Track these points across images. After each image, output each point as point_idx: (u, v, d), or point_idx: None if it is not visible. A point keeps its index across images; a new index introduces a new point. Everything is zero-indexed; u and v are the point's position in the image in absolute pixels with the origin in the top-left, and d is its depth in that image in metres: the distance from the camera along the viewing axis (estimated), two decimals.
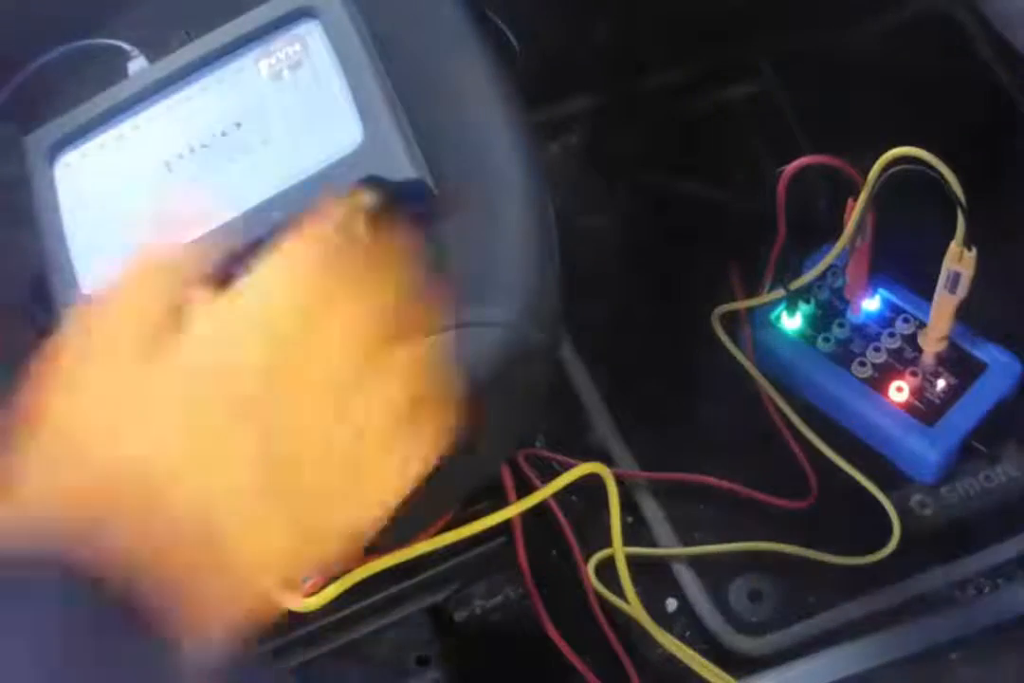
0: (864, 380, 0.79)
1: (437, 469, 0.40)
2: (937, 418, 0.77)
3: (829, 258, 0.77)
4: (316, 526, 0.37)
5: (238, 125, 0.51)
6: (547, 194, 0.52)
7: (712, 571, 0.78)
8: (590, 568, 0.76)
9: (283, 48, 0.51)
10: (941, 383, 0.78)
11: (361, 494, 0.38)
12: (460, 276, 0.48)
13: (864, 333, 0.80)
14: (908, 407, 0.78)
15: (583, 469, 0.63)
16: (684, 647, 0.74)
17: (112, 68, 0.55)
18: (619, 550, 0.71)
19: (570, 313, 0.53)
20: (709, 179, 0.90)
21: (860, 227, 0.73)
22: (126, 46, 0.55)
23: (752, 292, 0.83)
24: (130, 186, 0.51)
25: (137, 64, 0.54)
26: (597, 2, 0.93)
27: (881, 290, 0.81)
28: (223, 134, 0.51)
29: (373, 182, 0.47)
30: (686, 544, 0.79)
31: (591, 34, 0.93)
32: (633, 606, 0.73)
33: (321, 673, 0.67)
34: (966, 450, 0.79)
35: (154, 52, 0.54)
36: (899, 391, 0.78)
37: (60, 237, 0.51)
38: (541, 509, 0.78)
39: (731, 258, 0.86)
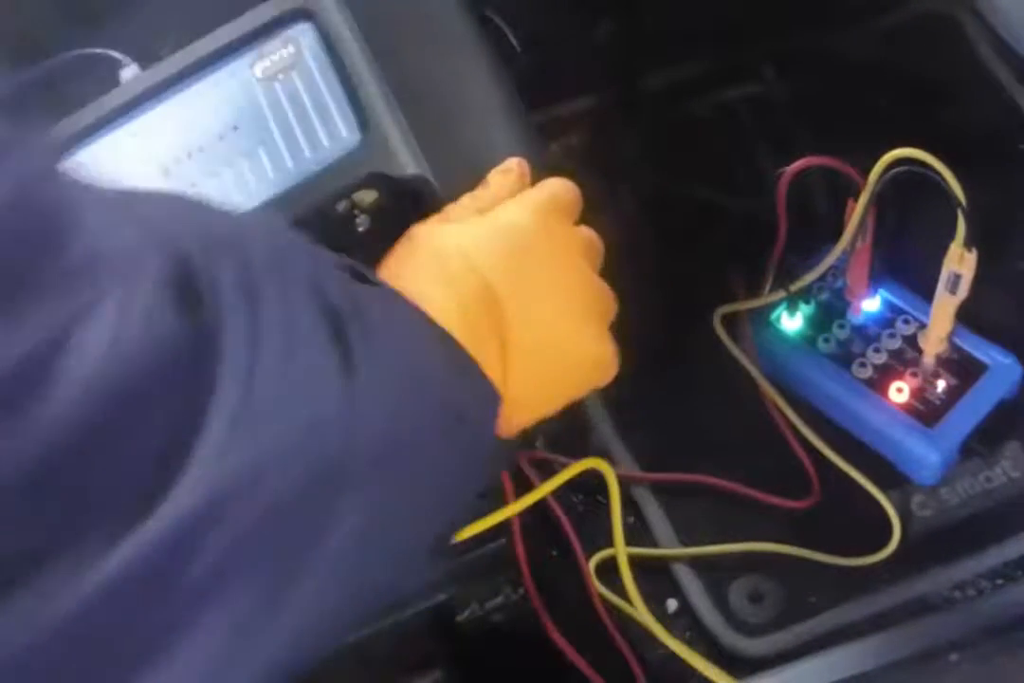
0: (864, 381, 0.79)
1: None
2: (937, 419, 0.77)
3: (829, 259, 0.77)
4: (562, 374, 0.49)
5: (235, 128, 0.51)
6: None
7: (712, 572, 0.78)
8: (591, 568, 0.77)
9: (277, 50, 0.52)
10: (941, 384, 0.78)
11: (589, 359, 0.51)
12: None
13: (864, 334, 0.80)
14: (908, 408, 0.78)
15: (584, 464, 0.63)
16: (686, 647, 0.74)
17: (105, 78, 0.55)
18: (621, 550, 0.71)
19: None
20: (709, 179, 0.90)
21: (860, 228, 0.73)
22: (117, 55, 0.55)
23: (753, 293, 0.83)
24: None
25: (129, 72, 0.55)
26: (597, 2, 0.93)
27: (881, 291, 0.81)
28: (220, 138, 0.51)
29: (377, 179, 0.48)
30: (686, 544, 0.79)
31: (591, 34, 0.93)
32: (636, 606, 0.73)
33: (321, 674, 0.67)
34: (966, 451, 0.79)
35: (147, 60, 0.54)
36: (899, 392, 0.78)
37: None
38: (542, 509, 0.78)
39: (731, 259, 0.86)
